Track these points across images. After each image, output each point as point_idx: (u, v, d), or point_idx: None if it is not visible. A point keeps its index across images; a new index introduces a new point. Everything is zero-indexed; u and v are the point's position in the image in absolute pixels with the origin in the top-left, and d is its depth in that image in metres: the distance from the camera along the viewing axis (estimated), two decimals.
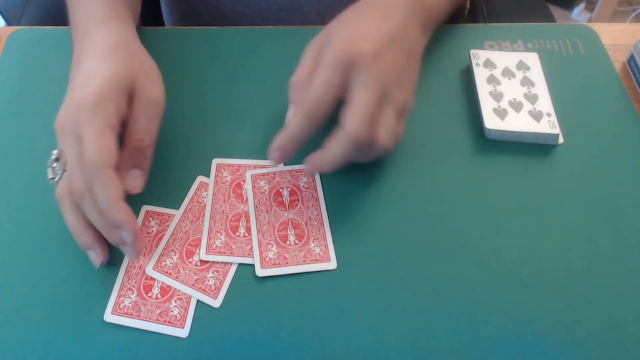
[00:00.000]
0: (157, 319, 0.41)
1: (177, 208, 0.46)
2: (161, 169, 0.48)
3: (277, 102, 0.54)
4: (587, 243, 0.45)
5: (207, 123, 0.52)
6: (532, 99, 0.51)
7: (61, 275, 0.43)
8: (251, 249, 0.44)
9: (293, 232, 0.45)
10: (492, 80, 0.53)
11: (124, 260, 0.43)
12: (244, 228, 0.45)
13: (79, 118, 0.39)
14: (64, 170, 0.42)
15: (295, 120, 0.43)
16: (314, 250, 0.44)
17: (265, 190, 0.48)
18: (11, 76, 0.56)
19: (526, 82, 0.52)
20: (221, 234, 0.45)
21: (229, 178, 0.48)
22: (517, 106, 0.50)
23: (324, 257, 0.44)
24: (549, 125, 0.49)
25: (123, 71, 0.42)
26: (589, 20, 1.82)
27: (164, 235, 0.45)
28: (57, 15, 0.75)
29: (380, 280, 0.43)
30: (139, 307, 0.41)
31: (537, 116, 0.49)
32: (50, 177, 0.43)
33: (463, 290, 0.42)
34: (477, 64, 0.54)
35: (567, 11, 1.87)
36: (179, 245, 0.44)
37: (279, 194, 0.47)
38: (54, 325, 0.41)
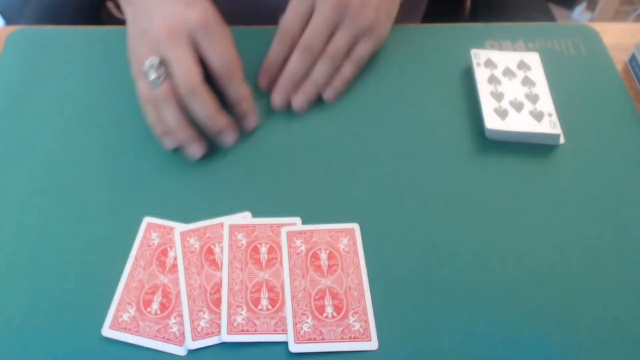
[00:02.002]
0: (156, 336, 0.40)
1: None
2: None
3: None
4: (588, 243, 0.45)
5: None
6: (533, 99, 0.50)
7: (59, 288, 0.42)
8: (276, 323, 0.40)
9: (331, 303, 0.41)
10: (492, 80, 0.52)
11: (123, 273, 0.43)
12: (266, 300, 0.42)
13: (198, 27, 0.45)
14: (166, 73, 0.45)
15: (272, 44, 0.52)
16: (353, 326, 0.40)
17: (302, 250, 0.44)
18: (11, 76, 0.56)
19: (527, 82, 0.52)
20: (242, 309, 0.41)
21: (244, 241, 0.44)
22: (518, 106, 0.50)
23: (364, 335, 0.40)
24: (550, 126, 0.48)
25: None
26: (591, 20, 1.81)
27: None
28: (57, 15, 0.75)
29: None
30: (138, 323, 0.41)
31: (538, 116, 0.49)
32: (153, 77, 0.45)
33: (463, 290, 0.42)
34: (478, 64, 0.53)
35: (568, 11, 1.87)
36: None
37: (316, 256, 0.44)
38: (50, 339, 0.40)
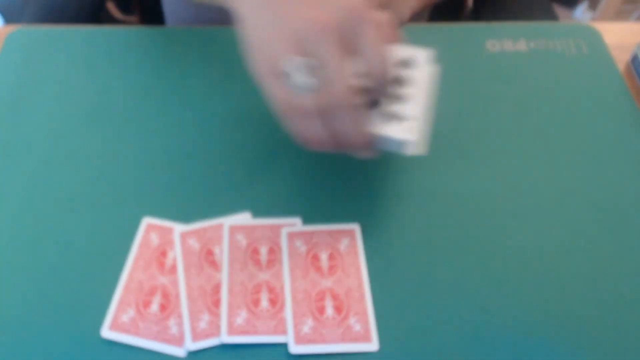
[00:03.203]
0: (156, 337, 0.40)
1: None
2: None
3: None
4: (588, 243, 0.44)
5: (212, 130, 0.52)
6: (403, 100, 0.42)
7: (58, 289, 0.42)
8: (276, 325, 0.40)
9: (331, 304, 0.41)
10: None
11: (123, 274, 0.43)
12: (266, 301, 0.41)
13: (354, 19, 0.36)
14: (319, 77, 0.37)
15: None
16: (354, 327, 0.40)
17: (302, 251, 0.44)
18: (10, 76, 0.56)
19: (405, 82, 0.43)
20: (242, 310, 0.41)
21: (244, 242, 0.44)
22: (374, 105, 0.42)
23: (364, 336, 0.40)
24: (405, 132, 0.40)
25: None
26: (592, 20, 1.81)
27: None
28: (57, 15, 0.75)
29: None
30: (137, 324, 0.40)
31: (398, 119, 0.41)
32: (298, 83, 0.37)
33: (464, 291, 0.42)
34: None
35: (569, 10, 1.87)
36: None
37: (316, 257, 0.44)
38: (50, 340, 0.40)
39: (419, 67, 0.44)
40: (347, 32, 0.36)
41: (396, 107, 0.41)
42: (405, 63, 0.44)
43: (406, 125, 0.41)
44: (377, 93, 0.39)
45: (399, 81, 0.42)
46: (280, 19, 0.37)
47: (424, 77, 0.43)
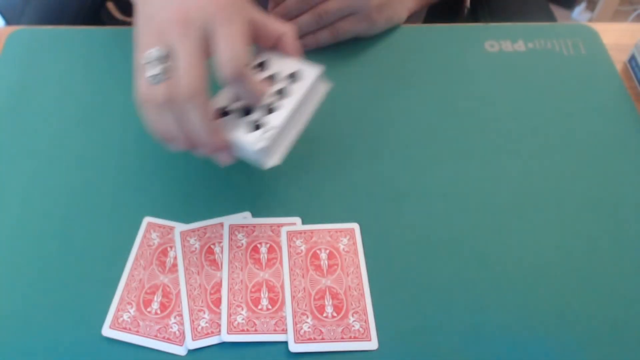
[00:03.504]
0: (156, 335, 0.40)
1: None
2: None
3: None
4: (588, 243, 0.45)
5: None
6: (269, 110, 0.42)
7: (59, 288, 0.42)
8: (276, 323, 0.40)
9: (331, 303, 0.41)
10: None
11: (124, 273, 0.43)
12: (266, 300, 0.42)
13: (217, 13, 0.37)
14: (170, 70, 0.37)
15: None
16: (353, 326, 0.40)
17: (302, 250, 0.44)
18: (11, 76, 0.56)
19: (282, 92, 0.42)
20: (242, 309, 0.41)
21: (244, 241, 0.45)
22: (244, 112, 0.42)
23: (364, 335, 0.40)
24: (256, 139, 0.40)
25: None
26: (590, 20, 1.82)
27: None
28: (57, 15, 0.75)
29: None
30: (138, 322, 0.41)
31: (254, 127, 0.41)
32: (151, 74, 0.37)
33: (463, 290, 0.42)
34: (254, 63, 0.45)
35: (568, 11, 1.87)
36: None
37: (316, 256, 0.44)
38: (51, 338, 0.40)
39: (301, 81, 0.43)
40: (206, 31, 0.37)
41: (258, 115, 0.41)
42: (291, 76, 0.43)
43: (259, 133, 0.40)
44: (235, 87, 0.39)
45: (274, 91, 0.42)
46: (153, 13, 0.39)
47: (302, 91, 0.43)
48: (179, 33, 0.37)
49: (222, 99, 0.43)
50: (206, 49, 0.38)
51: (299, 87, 0.43)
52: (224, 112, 0.42)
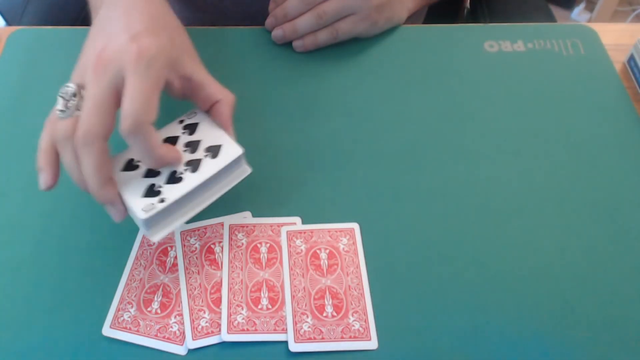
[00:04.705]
0: (156, 335, 0.40)
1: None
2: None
3: (281, 101, 0.54)
4: (587, 243, 0.45)
5: None
6: (172, 179, 0.39)
7: (59, 287, 0.43)
8: (276, 323, 0.40)
9: (330, 302, 0.41)
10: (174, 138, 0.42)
11: (124, 272, 0.43)
12: (266, 299, 0.42)
13: (131, 63, 0.36)
14: (76, 109, 0.37)
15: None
16: (353, 326, 0.40)
17: (302, 250, 0.44)
18: (11, 76, 0.56)
19: (192, 165, 0.40)
20: (242, 308, 0.41)
21: (244, 241, 0.45)
22: (148, 172, 0.40)
23: (363, 335, 0.40)
24: (141, 208, 0.38)
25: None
26: (589, 20, 1.82)
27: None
28: (57, 15, 0.75)
29: None
30: (138, 322, 0.41)
31: (148, 194, 0.39)
32: (60, 108, 0.37)
33: (463, 290, 0.42)
34: (181, 121, 0.43)
35: (567, 11, 1.87)
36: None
37: (316, 256, 0.44)
38: (51, 338, 0.40)
39: (217, 159, 0.41)
40: (119, 78, 0.36)
41: (159, 181, 0.39)
42: (210, 150, 0.41)
43: (148, 202, 0.38)
44: (128, 140, 0.36)
45: (185, 161, 0.40)
46: (84, 48, 0.40)
47: (213, 170, 0.40)
48: (91, 76, 0.37)
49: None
50: (118, 97, 0.36)
51: (213, 164, 0.40)
52: (131, 165, 0.40)
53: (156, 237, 0.39)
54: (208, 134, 0.42)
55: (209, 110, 0.43)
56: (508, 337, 0.40)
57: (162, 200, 0.38)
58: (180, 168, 0.40)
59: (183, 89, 0.41)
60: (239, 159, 0.41)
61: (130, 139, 0.36)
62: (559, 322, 0.41)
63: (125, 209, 0.39)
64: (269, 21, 0.58)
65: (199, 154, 0.41)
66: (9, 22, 0.77)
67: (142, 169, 0.40)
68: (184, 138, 0.42)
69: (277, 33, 0.57)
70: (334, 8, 0.54)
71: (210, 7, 0.69)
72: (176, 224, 0.40)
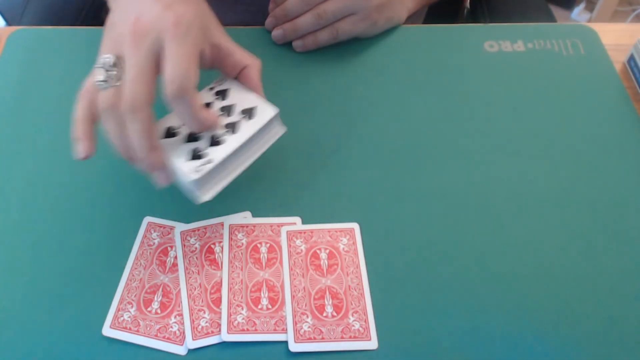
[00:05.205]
0: (156, 335, 0.40)
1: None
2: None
3: (281, 101, 0.54)
4: (587, 243, 0.45)
5: None
6: (213, 142, 0.41)
7: (59, 288, 0.43)
8: (276, 323, 0.40)
9: (330, 302, 0.41)
10: (210, 106, 0.43)
11: (124, 273, 0.43)
12: (266, 299, 0.42)
13: (168, 30, 0.37)
14: (117, 79, 0.38)
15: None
16: (353, 326, 0.40)
17: (302, 250, 0.44)
18: (11, 76, 0.56)
19: (232, 127, 0.42)
20: (242, 308, 0.41)
21: (244, 241, 0.45)
22: (189, 138, 0.41)
23: (363, 335, 0.40)
24: (191, 170, 0.39)
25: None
26: (589, 20, 1.82)
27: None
28: (58, 15, 0.75)
29: None
30: (138, 322, 0.41)
31: (193, 157, 0.40)
32: (101, 79, 0.38)
33: (463, 290, 0.42)
34: (212, 88, 0.44)
35: (567, 11, 1.87)
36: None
37: (316, 255, 0.44)
38: (51, 338, 0.40)
39: (254, 119, 0.42)
40: (158, 46, 0.37)
41: (201, 145, 0.40)
42: (245, 112, 0.42)
43: (196, 165, 0.39)
44: (173, 104, 0.37)
45: (224, 124, 0.41)
46: (114, 22, 0.40)
47: (252, 130, 0.41)
48: (130, 45, 0.37)
49: (173, 119, 0.42)
50: (157, 64, 0.37)
51: (251, 125, 0.42)
52: (170, 133, 0.41)
53: (206, 197, 0.40)
54: (240, 97, 0.43)
55: (237, 77, 0.44)
56: (508, 337, 0.40)
57: (209, 161, 0.39)
58: (220, 131, 0.41)
59: (213, 57, 0.42)
60: (275, 118, 0.43)
61: (176, 102, 0.37)
62: (559, 322, 0.41)
63: (169, 174, 0.40)
64: (269, 21, 0.58)
65: (236, 116, 0.42)
66: (9, 22, 0.77)
67: (182, 135, 0.41)
68: (218, 104, 0.43)
69: (277, 33, 0.57)
70: (334, 8, 0.54)
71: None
72: (223, 184, 0.41)
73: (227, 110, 0.42)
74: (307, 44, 0.57)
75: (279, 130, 0.44)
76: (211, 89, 0.44)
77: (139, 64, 0.37)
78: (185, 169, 0.39)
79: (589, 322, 0.41)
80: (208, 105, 0.43)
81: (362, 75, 0.56)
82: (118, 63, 0.38)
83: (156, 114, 0.39)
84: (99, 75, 0.38)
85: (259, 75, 0.44)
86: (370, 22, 0.56)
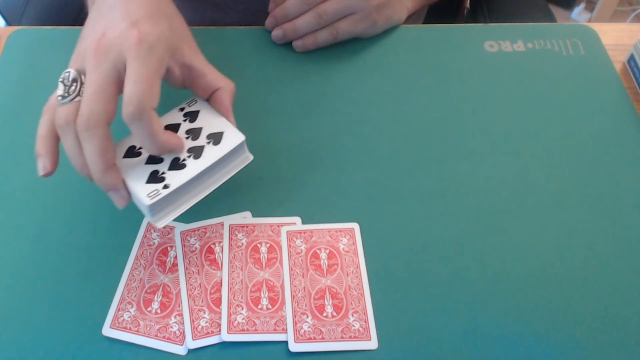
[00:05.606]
0: (156, 335, 0.40)
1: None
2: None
3: (281, 101, 0.54)
4: (587, 243, 0.45)
5: None
6: (174, 166, 0.39)
7: (59, 288, 0.43)
8: (276, 323, 0.40)
9: (330, 302, 0.41)
10: (175, 125, 0.42)
11: (124, 273, 0.43)
12: (266, 299, 0.42)
13: (130, 48, 0.36)
14: (77, 94, 0.37)
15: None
16: (353, 326, 0.40)
17: (302, 250, 0.44)
18: (11, 76, 0.56)
19: (194, 151, 0.40)
20: (242, 308, 0.41)
21: (244, 241, 0.45)
22: (151, 159, 0.40)
23: (363, 335, 0.40)
24: (146, 194, 0.38)
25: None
26: (589, 20, 1.82)
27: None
28: (57, 15, 0.75)
29: None
30: (138, 322, 0.41)
31: (152, 180, 0.39)
32: (60, 94, 0.37)
33: (463, 290, 0.42)
34: (182, 109, 0.43)
35: (567, 11, 1.87)
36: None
37: (316, 255, 0.44)
38: (51, 338, 0.40)
39: (219, 146, 0.41)
40: (120, 64, 0.36)
41: (161, 168, 0.39)
42: (211, 137, 0.41)
43: (153, 189, 0.38)
44: (130, 124, 0.36)
45: (187, 148, 0.40)
46: (83, 35, 0.40)
47: (216, 157, 0.40)
48: (92, 61, 0.36)
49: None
50: (119, 82, 0.36)
51: (215, 151, 0.40)
52: (134, 152, 0.40)
53: (160, 223, 0.39)
54: (209, 121, 0.42)
55: (209, 99, 0.43)
56: (508, 337, 0.40)
57: (166, 186, 0.38)
58: (183, 155, 0.40)
59: (183, 77, 0.41)
60: (240, 146, 0.41)
61: (133, 124, 0.36)
62: (559, 322, 0.41)
63: (128, 195, 0.39)
64: (269, 21, 0.58)
65: (201, 141, 0.41)
66: (9, 22, 0.77)
67: (144, 155, 0.40)
68: (185, 125, 0.42)
69: (277, 33, 0.57)
70: (334, 8, 0.54)
71: (210, 11, 0.69)
72: (180, 211, 0.40)
73: (193, 133, 0.41)
74: (307, 43, 0.57)
75: (246, 159, 0.43)
76: (181, 109, 0.43)
77: (98, 82, 0.36)
78: (141, 193, 0.38)
79: (589, 322, 0.41)
80: (176, 126, 0.42)
81: (362, 75, 0.56)
82: (79, 78, 0.37)
83: (123, 133, 0.38)
84: (59, 89, 0.37)
85: (231, 99, 0.42)
86: (370, 22, 0.56)
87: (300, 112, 0.53)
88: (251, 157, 0.43)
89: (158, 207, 0.38)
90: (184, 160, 0.40)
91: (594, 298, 0.42)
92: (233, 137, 0.41)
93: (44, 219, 0.46)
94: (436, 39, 0.59)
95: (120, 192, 0.38)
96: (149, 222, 0.45)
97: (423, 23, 0.78)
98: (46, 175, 0.39)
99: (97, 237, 0.45)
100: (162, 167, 0.39)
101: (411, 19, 0.64)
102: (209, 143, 0.41)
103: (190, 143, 0.41)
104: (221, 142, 0.41)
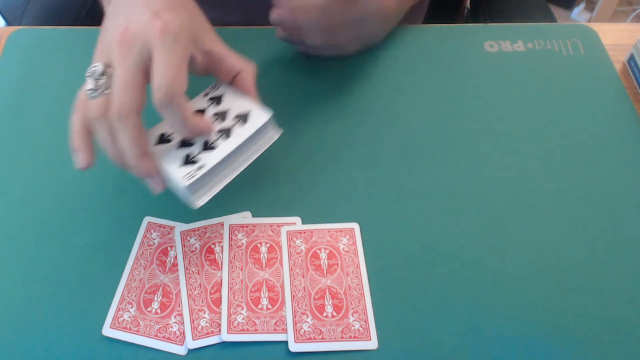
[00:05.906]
0: (156, 335, 0.40)
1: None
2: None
3: (280, 101, 0.54)
4: (587, 243, 0.45)
5: None
6: (206, 148, 0.41)
7: (59, 288, 0.43)
8: (276, 323, 0.41)
9: (330, 302, 0.42)
10: (202, 111, 0.43)
11: (124, 273, 0.43)
12: (266, 299, 0.42)
13: (155, 38, 0.37)
14: (106, 87, 0.38)
15: None
16: (353, 326, 0.40)
17: (302, 250, 0.44)
18: (11, 76, 0.56)
19: (226, 132, 0.41)
20: (242, 308, 0.41)
21: (244, 241, 0.45)
22: (182, 144, 0.41)
23: (364, 335, 0.40)
24: (183, 175, 0.39)
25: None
26: (589, 20, 1.82)
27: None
28: (57, 15, 0.75)
29: None
30: (138, 322, 0.41)
31: (186, 163, 0.40)
32: (90, 88, 0.38)
33: (463, 290, 0.42)
34: (206, 94, 0.45)
35: (567, 11, 1.87)
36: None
37: (316, 255, 0.44)
38: (51, 338, 0.40)
39: (248, 124, 0.42)
40: (146, 54, 0.37)
41: (195, 150, 0.41)
42: (239, 117, 0.42)
43: (188, 170, 0.39)
44: (162, 112, 0.37)
45: (218, 130, 0.41)
46: (105, 29, 0.40)
47: (245, 135, 0.41)
48: (118, 54, 0.37)
49: (166, 126, 0.42)
50: (146, 72, 0.37)
51: (244, 129, 0.42)
52: (164, 139, 0.41)
53: (200, 202, 0.40)
54: (234, 103, 0.43)
55: (232, 82, 0.44)
56: (508, 337, 0.40)
57: (200, 167, 0.39)
58: (213, 137, 0.41)
59: (205, 64, 0.42)
60: (268, 123, 0.43)
61: (164, 110, 0.37)
62: (559, 322, 0.41)
63: (163, 180, 0.40)
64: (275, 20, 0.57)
65: (229, 122, 0.42)
66: (9, 22, 0.77)
67: (175, 141, 0.41)
68: (212, 109, 0.43)
69: (282, 35, 0.57)
70: (347, 40, 0.54)
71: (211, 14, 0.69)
72: (216, 190, 0.41)
73: (220, 115, 0.42)
74: (310, 52, 0.56)
75: (274, 134, 0.44)
76: (205, 95, 0.44)
77: (126, 73, 0.37)
78: (178, 174, 0.39)
79: (589, 322, 0.41)
80: (202, 111, 0.43)
81: (362, 76, 0.56)
82: (107, 72, 0.38)
83: (151, 121, 0.39)
84: (88, 84, 0.38)
85: (253, 80, 0.44)
86: (379, 40, 0.57)
87: (300, 112, 0.53)
88: (280, 132, 0.44)
89: (195, 187, 0.40)
90: (214, 141, 0.41)
91: (594, 298, 0.42)
92: (260, 114, 0.42)
93: (44, 219, 0.46)
94: (436, 38, 0.59)
95: (156, 178, 0.40)
96: (148, 222, 0.45)
97: (423, 23, 0.78)
98: (85, 169, 0.40)
99: (97, 237, 0.45)
100: (195, 150, 0.41)
101: (411, 19, 0.64)
102: (236, 123, 0.42)
103: (218, 125, 0.42)
104: (248, 121, 0.42)
